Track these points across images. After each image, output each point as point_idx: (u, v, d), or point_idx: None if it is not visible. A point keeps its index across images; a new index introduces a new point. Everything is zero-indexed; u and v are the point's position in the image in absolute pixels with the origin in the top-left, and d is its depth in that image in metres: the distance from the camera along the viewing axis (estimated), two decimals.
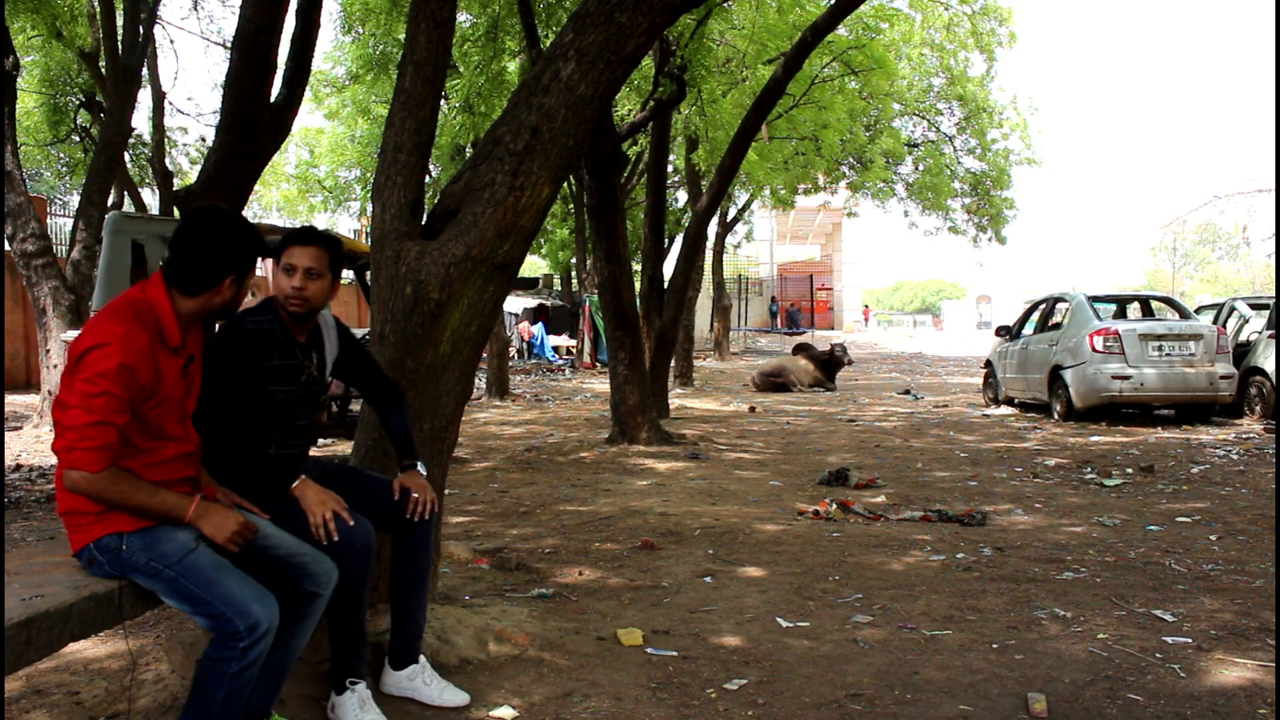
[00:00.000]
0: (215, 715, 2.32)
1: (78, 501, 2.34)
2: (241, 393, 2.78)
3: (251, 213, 28.36)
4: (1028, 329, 12.79)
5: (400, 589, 3.00)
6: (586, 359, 23.40)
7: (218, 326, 2.79)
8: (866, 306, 55.34)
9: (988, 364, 13.92)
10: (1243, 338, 11.92)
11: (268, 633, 2.33)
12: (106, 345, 2.25)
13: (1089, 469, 7.71)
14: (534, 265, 35.71)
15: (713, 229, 22.90)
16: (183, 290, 2.42)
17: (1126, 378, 10.44)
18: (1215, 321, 12.00)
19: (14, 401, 13.11)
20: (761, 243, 44.16)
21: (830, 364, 17.70)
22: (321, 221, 26.95)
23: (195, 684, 2.36)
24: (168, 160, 17.18)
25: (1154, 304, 12.67)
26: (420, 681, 2.98)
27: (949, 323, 54.23)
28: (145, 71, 13.37)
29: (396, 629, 3.02)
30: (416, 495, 2.94)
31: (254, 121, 6.05)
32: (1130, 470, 7.60)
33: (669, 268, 12.85)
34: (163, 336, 2.38)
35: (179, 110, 45.48)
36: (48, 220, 16.11)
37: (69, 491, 2.30)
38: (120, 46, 11.50)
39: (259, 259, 2.53)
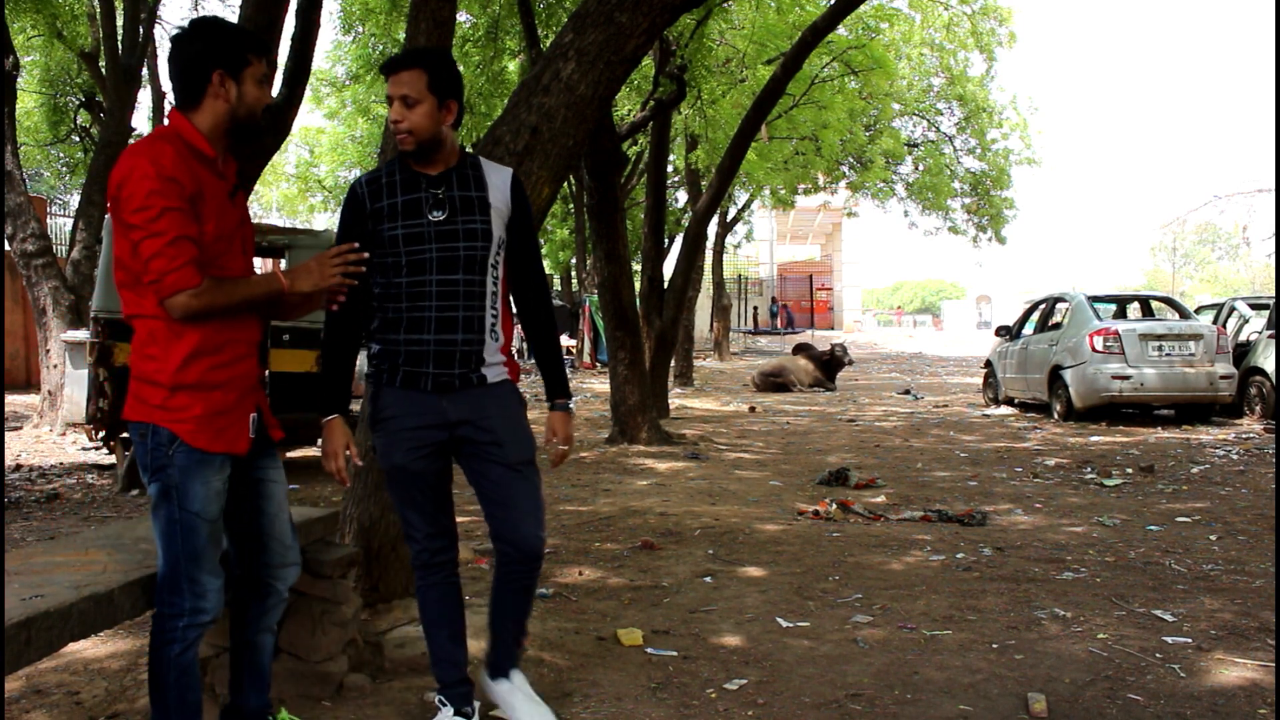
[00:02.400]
0: (172, 700, 2.34)
1: (154, 370, 2.29)
2: (370, 251, 2.57)
3: (251, 213, 28.32)
4: (1028, 329, 12.80)
5: (495, 603, 2.81)
6: (586, 359, 23.40)
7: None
8: (900, 307, 55.00)
9: (988, 364, 13.92)
10: (1243, 338, 11.92)
11: (209, 622, 2.36)
12: (136, 168, 2.19)
13: (1089, 469, 7.71)
14: None
15: (713, 229, 22.89)
16: (184, 106, 2.34)
17: (1126, 378, 10.45)
18: (1215, 321, 12.00)
19: (14, 401, 13.11)
20: (761, 243, 44.13)
21: (830, 364, 17.71)
22: (321, 221, 26.95)
23: (149, 681, 2.38)
24: None
25: (1154, 304, 12.67)
26: (510, 696, 2.79)
27: (949, 323, 54.22)
28: (145, 71, 13.37)
29: (489, 640, 2.86)
30: (558, 440, 2.73)
31: None
32: (1130, 470, 7.60)
33: (669, 268, 12.86)
34: (193, 148, 2.30)
35: None
36: (48, 220, 16.10)
37: (183, 321, 2.24)
38: (120, 46, 11.51)
39: (249, 55, 2.36)
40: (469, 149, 2.84)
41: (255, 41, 2.41)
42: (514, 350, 2.86)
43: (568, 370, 2.74)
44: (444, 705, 2.75)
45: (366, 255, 2.52)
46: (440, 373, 2.60)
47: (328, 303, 2.58)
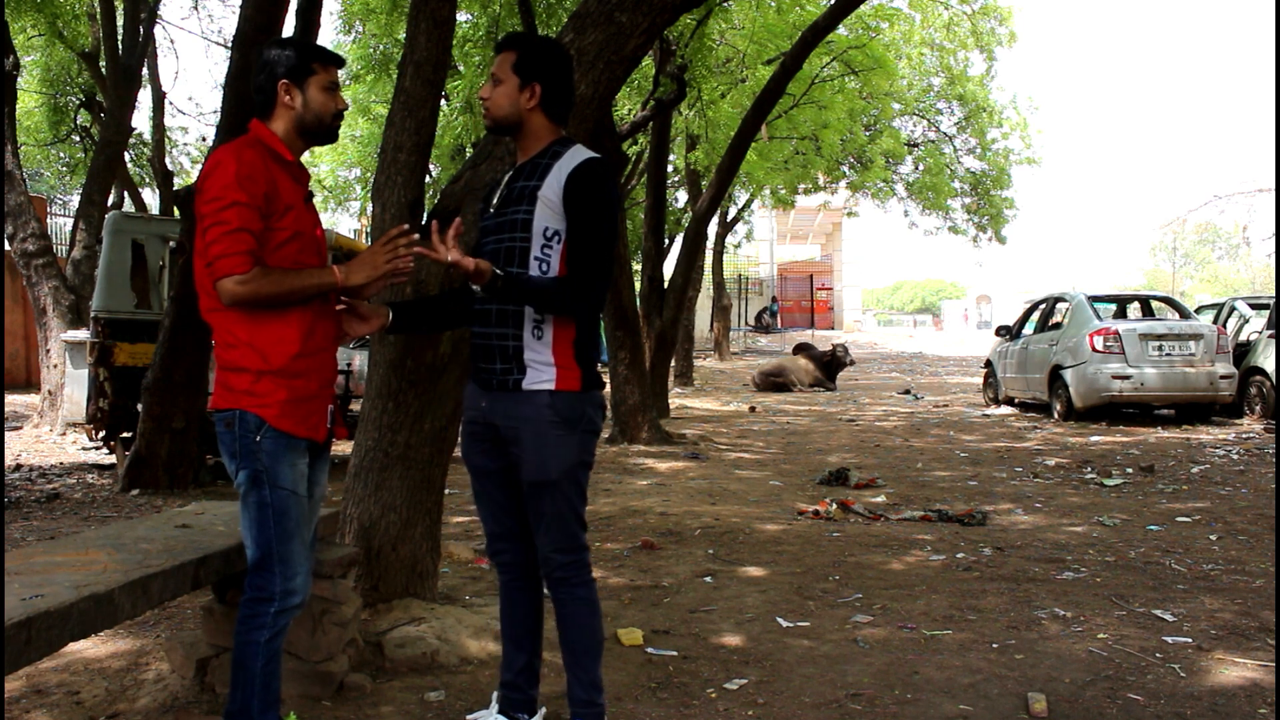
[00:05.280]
0: (258, 685, 2.38)
1: (239, 357, 2.36)
2: None
3: None
4: (1028, 329, 12.80)
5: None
6: None
7: None
8: (966, 312, 54.05)
9: (988, 364, 13.92)
10: (1243, 338, 11.92)
11: (300, 605, 2.42)
12: (219, 165, 2.32)
13: (1089, 469, 7.71)
14: None
15: (713, 229, 22.87)
16: (262, 115, 2.48)
17: (1127, 377, 10.45)
18: (1215, 321, 12.00)
19: (14, 401, 13.11)
20: (761, 243, 44.03)
21: (831, 364, 17.71)
22: (321, 221, 26.94)
23: (234, 666, 2.40)
24: (168, 160, 17.19)
25: (1154, 304, 12.68)
26: None
27: (949, 322, 54.19)
28: (145, 71, 13.38)
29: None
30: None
31: None
32: (1130, 470, 7.60)
33: (669, 268, 12.85)
34: (273, 152, 2.43)
35: (179, 110, 45.62)
36: (48, 220, 16.10)
37: (230, 306, 2.32)
38: (120, 46, 11.51)
39: (313, 65, 2.47)
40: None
41: (322, 53, 2.52)
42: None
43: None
44: (492, 703, 2.76)
45: (416, 237, 2.47)
46: (484, 367, 2.53)
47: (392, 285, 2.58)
